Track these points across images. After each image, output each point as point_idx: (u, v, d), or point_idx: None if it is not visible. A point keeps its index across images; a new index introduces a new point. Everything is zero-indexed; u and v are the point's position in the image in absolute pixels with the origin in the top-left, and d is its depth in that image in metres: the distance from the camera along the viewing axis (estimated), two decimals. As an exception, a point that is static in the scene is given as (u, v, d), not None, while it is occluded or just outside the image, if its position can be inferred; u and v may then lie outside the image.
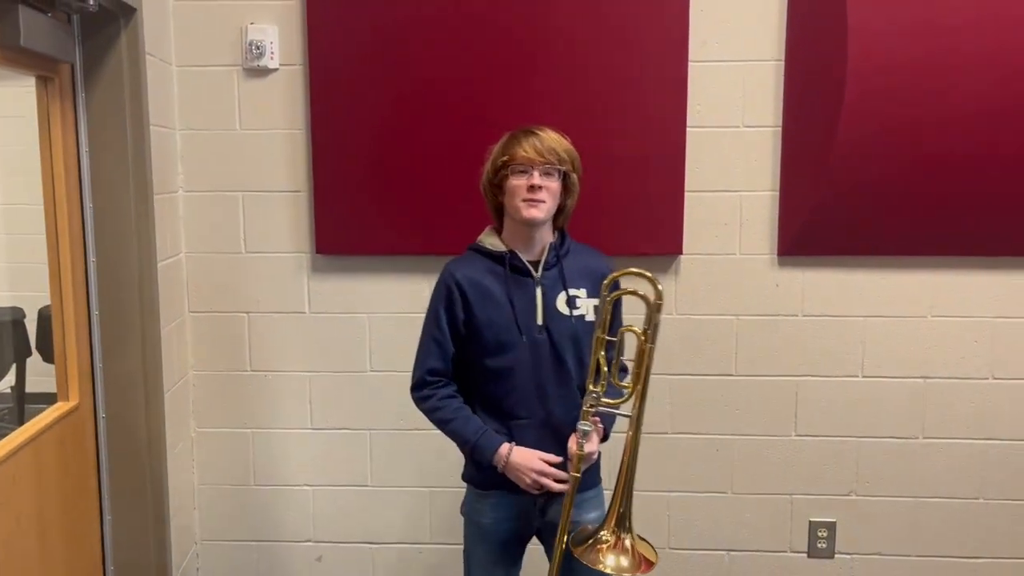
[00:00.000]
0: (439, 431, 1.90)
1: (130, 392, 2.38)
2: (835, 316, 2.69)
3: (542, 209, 1.78)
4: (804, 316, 2.69)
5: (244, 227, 2.71)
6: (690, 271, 2.64)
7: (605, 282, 1.75)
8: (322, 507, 2.83)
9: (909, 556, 2.80)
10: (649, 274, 1.70)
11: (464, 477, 1.98)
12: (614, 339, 1.75)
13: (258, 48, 2.62)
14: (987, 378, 2.70)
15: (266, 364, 2.75)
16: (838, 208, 2.58)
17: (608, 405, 1.75)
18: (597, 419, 1.78)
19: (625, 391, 1.74)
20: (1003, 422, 2.72)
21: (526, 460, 1.79)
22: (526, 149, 1.76)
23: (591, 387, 1.72)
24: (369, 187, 2.60)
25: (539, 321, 1.82)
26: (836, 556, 2.80)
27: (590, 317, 1.84)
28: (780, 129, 2.58)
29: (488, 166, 1.84)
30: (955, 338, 2.69)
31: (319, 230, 2.64)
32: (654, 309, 1.70)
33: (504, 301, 1.81)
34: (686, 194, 2.60)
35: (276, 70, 2.63)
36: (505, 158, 1.78)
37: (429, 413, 1.87)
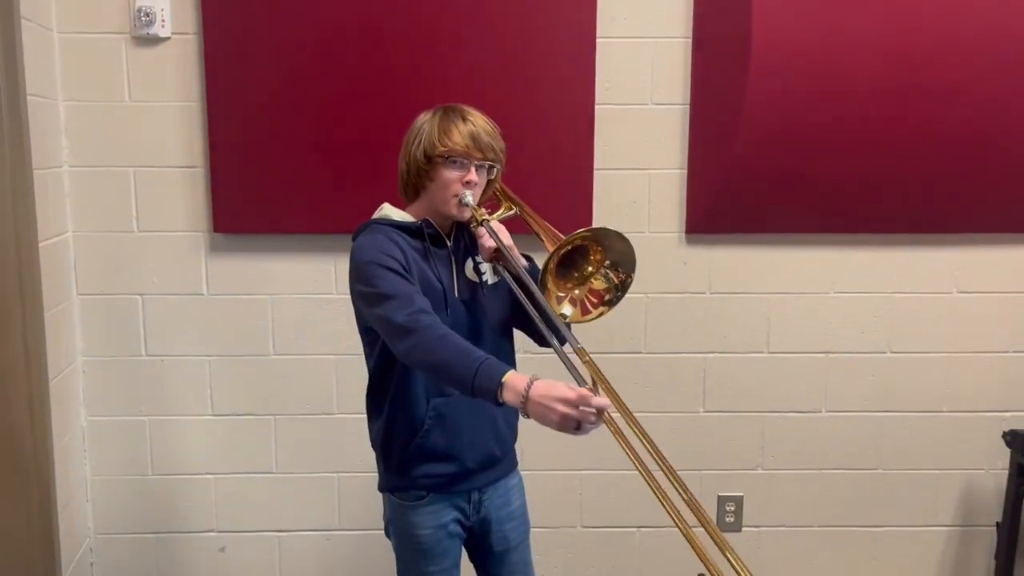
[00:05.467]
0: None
1: (10, 379, 2.24)
2: (742, 293, 2.74)
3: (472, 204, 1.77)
4: (712, 294, 2.73)
5: (136, 205, 2.61)
6: (599, 249, 2.63)
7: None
8: (224, 496, 2.76)
9: (812, 527, 2.87)
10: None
11: (384, 487, 1.80)
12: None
13: (147, 15, 2.49)
14: (884, 352, 2.78)
15: (162, 348, 2.66)
16: (744, 186, 2.61)
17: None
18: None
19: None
20: (899, 395, 2.80)
21: (551, 390, 1.47)
22: (466, 142, 1.69)
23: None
24: (269, 163, 2.52)
25: (455, 291, 1.76)
26: (744, 529, 2.85)
27: (493, 280, 1.82)
28: (688, 107, 2.60)
29: (417, 149, 1.72)
30: (855, 314, 2.76)
31: (217, 208, 2.57)
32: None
33: (427, 267, 1.73)
34: (595, 172, 2.60)
35: (168, 39, 2.53)
36: (443, 150, 1.69)
37: (425, 332, 1.54)
